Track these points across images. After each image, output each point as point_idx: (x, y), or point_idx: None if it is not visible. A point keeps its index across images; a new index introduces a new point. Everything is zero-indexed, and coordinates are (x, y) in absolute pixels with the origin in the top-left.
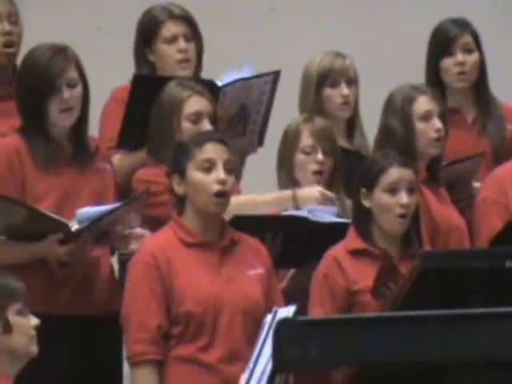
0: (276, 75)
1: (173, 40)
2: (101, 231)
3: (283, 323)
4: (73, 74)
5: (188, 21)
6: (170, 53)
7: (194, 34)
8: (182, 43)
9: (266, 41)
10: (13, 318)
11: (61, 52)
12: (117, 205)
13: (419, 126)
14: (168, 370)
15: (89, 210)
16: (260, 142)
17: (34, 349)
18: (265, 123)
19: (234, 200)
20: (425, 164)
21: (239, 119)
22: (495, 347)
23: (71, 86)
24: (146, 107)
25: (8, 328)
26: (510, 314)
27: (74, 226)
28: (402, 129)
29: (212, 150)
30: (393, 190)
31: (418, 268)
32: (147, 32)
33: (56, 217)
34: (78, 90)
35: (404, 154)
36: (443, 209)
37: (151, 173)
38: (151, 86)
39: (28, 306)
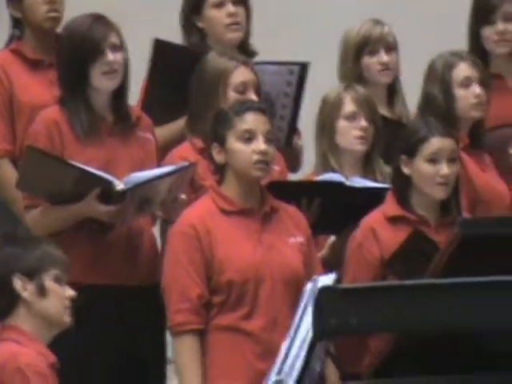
0: (303, 68)
1: (221, 4)
2: (145, 198)
3: (324, 291)
4: (115, 39)
5: None
6: (219, 17)
7: None
8: (230, 7)
9: (303, 8)
10: (49, 283)
11: (101, 19)
12: (166, 170)
13: (459, 92)
14: (209, 339)
15: (137, 175)
16: (288, 143)
17: (68, 319)
18: (293, 122)
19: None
20: (467, 130)
21: None
22: None
23: (114, 50)
24: (168, 74)
25: (43, 291)
26: None
27: (119, 186)
28: (442, 96)
29: (252, 120)
30: (434, 160)
31: (457, 235)
32: None
33: (101, 174)
34: (121, 55)
35: (445, 121)
36: (486, 176)
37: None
38: (171, 54)
39: (68, 276)
